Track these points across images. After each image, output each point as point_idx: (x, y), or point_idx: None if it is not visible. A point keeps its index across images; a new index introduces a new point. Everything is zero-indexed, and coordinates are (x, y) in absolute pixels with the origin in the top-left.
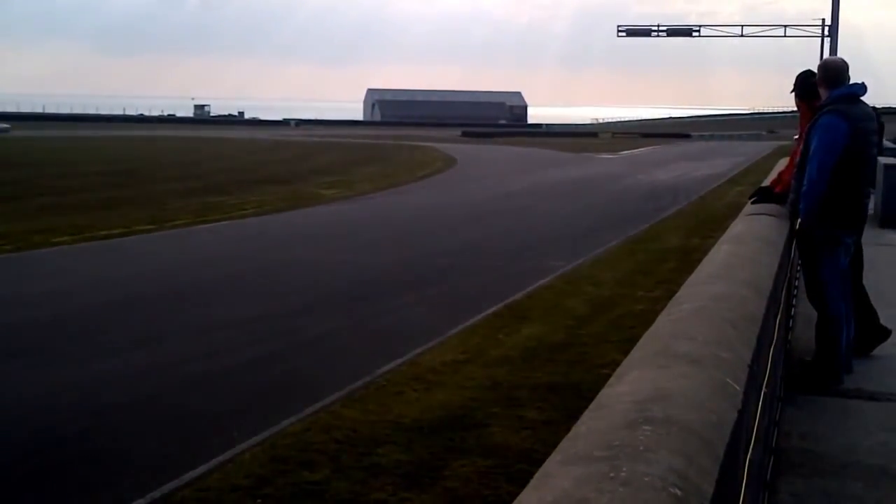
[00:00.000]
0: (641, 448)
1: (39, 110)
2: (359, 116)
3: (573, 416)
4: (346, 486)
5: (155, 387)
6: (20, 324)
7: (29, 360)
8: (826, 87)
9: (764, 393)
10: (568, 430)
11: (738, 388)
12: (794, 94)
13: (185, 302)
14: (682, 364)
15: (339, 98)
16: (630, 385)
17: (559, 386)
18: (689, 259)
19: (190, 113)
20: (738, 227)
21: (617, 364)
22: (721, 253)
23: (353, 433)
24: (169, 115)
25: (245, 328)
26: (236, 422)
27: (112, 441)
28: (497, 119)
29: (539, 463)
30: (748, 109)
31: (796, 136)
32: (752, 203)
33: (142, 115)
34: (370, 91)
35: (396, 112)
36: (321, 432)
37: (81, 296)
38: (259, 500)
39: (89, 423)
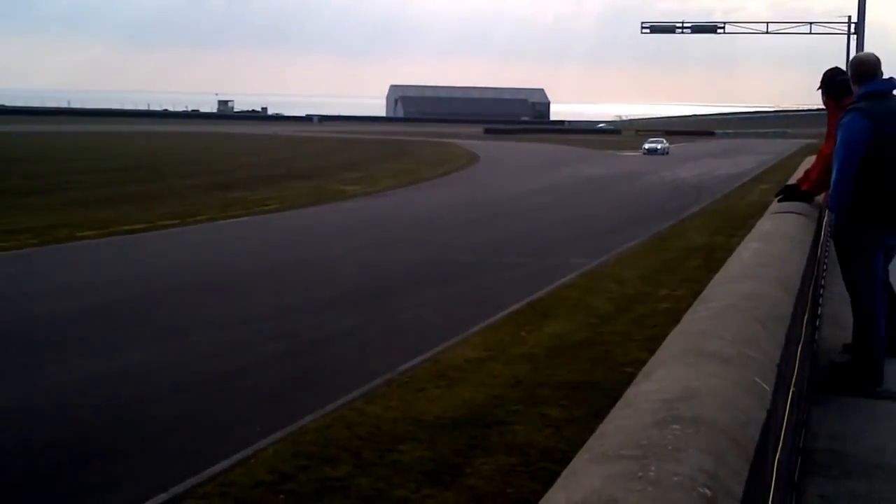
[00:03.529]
0: (670, 447)
1: (65, 105)
2: (382, 113)
3: (596, 414)
4: (369, 482)
5: (177, 381)
6: (44, 317)
7: (51, 354)
8: (858, 84)
9: (792, 392)
10: (591, 428)
11: (766, 387)
12: (821, 91)
13: (207, 297)
14: (710, 362)
15: (362, 94)
16: (658, 383)
17: (582, 384)
18: (713, 257)
19: (214, 109)
20: (765, 225)
21: (640, 362)
22: (749, 251)
23: (375, 430)
24: (193, 110)
25: (266, 323)
26: (258, 417)
27: (134, 436)
28: (520, 116)
29: (562, 461)
30: (773, 107)
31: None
32: (779, 201)
33: (166, 110)
34: (393, 87)
35: (419, 108)
36: (343, 428)
37: (105, 290)
38: (282, 496)
39: (111, 418)
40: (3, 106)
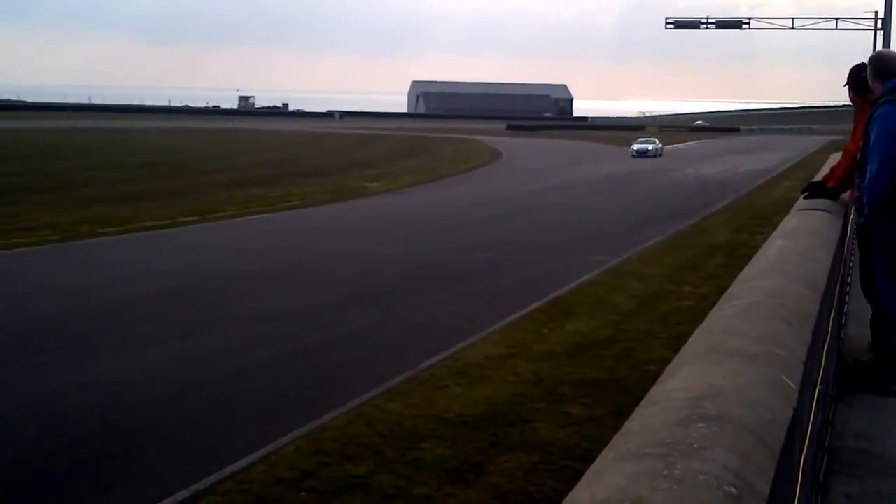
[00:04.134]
0: (695, 445)
1: (85, 101)
2: (403, 109)
3: (618, 412)
4: (390, 479)
5: (197, 378)
6: (65, 314)
7: (72, 350)
8: (881, 80)
9: (818, 391)
10: (613, 426)
11: (793, 385)
12: (847, 88)
13: (227, 293)
14: (735, 360)
15: (384, 90)
16: (683, 381)
17: (604, 382)
18: (737, 255)
19: (235, 105)
20: (790, 222)
21: (663, 360)
22: (774, 248)
23: (396, 427)
24: (214, 106)
25: (287, 320)
26: (278, 414)
27: (154, 432)
28: (542, 112)
29: (584, 459)
30: (798, 103)
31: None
32: (805, 198)
33: (186, 106)
34: (415, 83)
35: (441, 104)
36: (364, 426)
37: (126, 286)
38: (303, 493)
39: (131, 414)
40: (24, 102)
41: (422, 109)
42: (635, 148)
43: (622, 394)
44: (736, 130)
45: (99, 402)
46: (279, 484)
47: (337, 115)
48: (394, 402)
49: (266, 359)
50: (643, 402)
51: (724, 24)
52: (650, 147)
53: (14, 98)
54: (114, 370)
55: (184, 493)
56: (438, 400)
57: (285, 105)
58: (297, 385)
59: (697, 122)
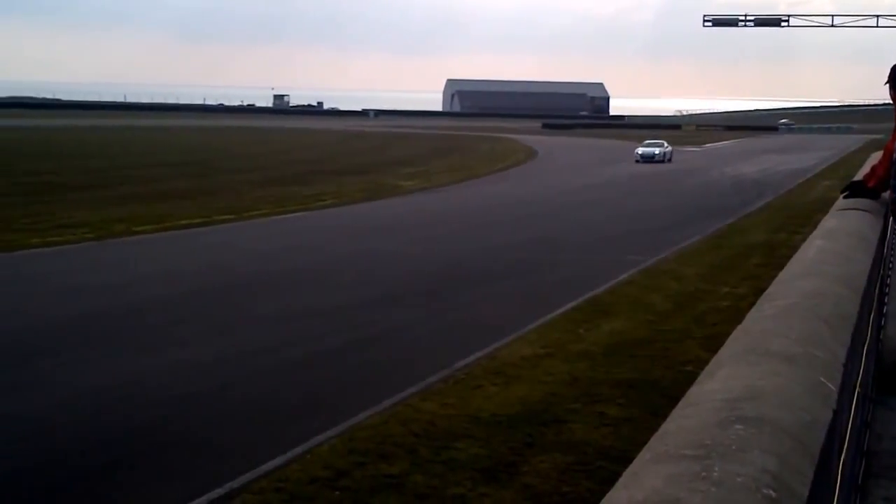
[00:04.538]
0: (734, 447)
1: (121, 99)
2: (438, 107)
3: (654, 412)
4: (424, 479)
5: (231, 377)
6: (101, 312)
7: (109, 348)
8: None
9: (857, 393)
10: (649, 427)
11: (832, 387)
12: (888, 86)
13: (262, 292)
14: (774, 361)
15: (419, 88)
16: (721, 382)
17: (640, 382)
18: (775, 255)
19: (270, 103)
20: (830, 222)
21: (700, 361)
22: (813, 248)
23: (430, 426)
24: (249, 105)
25: (321, 318)
26: (313, 413)
27: (189, 431)
28: (578, 110)
29: (619, 460)
30: (838, 102)
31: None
32: (844, 197)
33: (222, 104)
34: (450, 82)
35: (476, 103)
36: (399, 425)
37: (160, 285)
38: (337, 493)
39: (166, 413)
40: (59, 100)
41: (457, 108)
42: (640, 151)
43: (658, 394)
44: (774, 129)
45: (134, 400)
46: (314, 483)
47: (371, 113)
48: (428, 401)
49: (302, 357)
50: (680, 404)
51: (762, 22)
52: (657, 151)
53: (49, 96)
54: (150, 368)
55: (219, 491)
56: (473, 399)
57: (320, 104)
58: (332, 384)
59: (783, 121)
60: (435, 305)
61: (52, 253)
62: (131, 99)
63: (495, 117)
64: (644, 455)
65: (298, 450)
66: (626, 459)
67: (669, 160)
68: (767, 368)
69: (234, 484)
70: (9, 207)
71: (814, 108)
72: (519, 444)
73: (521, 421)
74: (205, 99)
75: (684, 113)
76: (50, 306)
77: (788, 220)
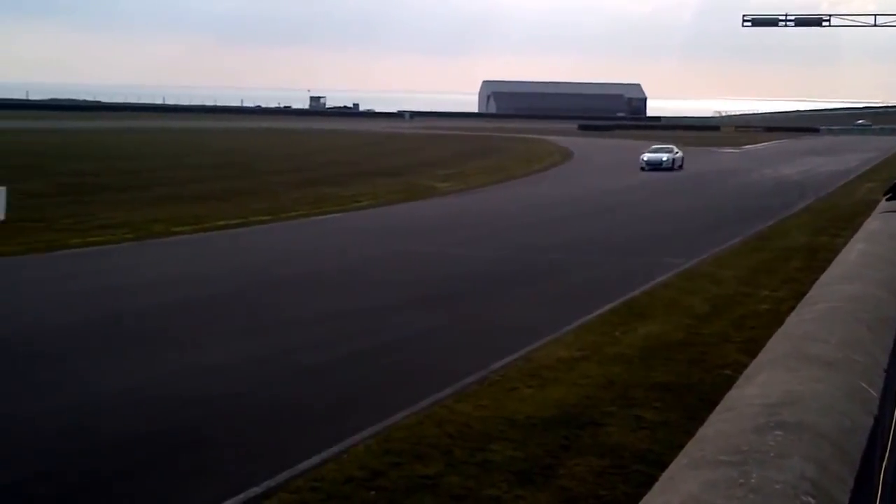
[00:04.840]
0: (772, 454)
1: (159, 101)
2: (474, 108)
3: (691, 416)
4: (459, 480)
5: (264, 377)
6: (139, 311)
7: (144, 347)
8: None
9: None
10: (686, 431)
11: (873, 392)
12: None
13: (298, 292)
14: (814, 367)
15: (454, 89)
16: (759, 387)
17: (677, 386)
18: (816, 258)
19: (306, 105)
20: (872, 224)
21: (738, 365)
22: (854, 252)
23: (466, 428)
24: (285, 106)
25: (357, 319)
26: (349, 413)
27: (225, 429)
28: (615, 112)
29: (656, 464)
30: (880, 103)
31: None
32: (888, 200)
33: (258, 106)
34: (485, 83)
35: (512, 104)
36: (434, 426)
37: (197, 285)
38: (373, 493)
39: (203, 412)
40: (100, 102)
41: (492, 109)
42: (646, 158)
43: (695, 398)
44: (815, 131)
45: (169, 400)
46: (349, 482)
47: (407, 115)
48: (463, 402)
49: (338, 357)
50: (718, 408)
51: (803, 22)
52: (665, 157)
53: (89, 98)
54: (184, 367)
55: (256, 490)
56: (508, 401)
57: (356, 105)
58: (368, 384)
59: (860, 122)
60: (471, 307)
61: (91, 253)
62: (170, 101)
63: (531, 118)
64: (681, 460)
65: (334, 449)
66: (662, 463)
67: (680, 167)
68: (807, 373)
69: (272, 482)
70: (51, 208)
71: (856, 110)
72: (555, 447)
73: (556, 423)
74: (242, 101)
75: (723, 114)
76: (89, 305)
77: (830, 222)
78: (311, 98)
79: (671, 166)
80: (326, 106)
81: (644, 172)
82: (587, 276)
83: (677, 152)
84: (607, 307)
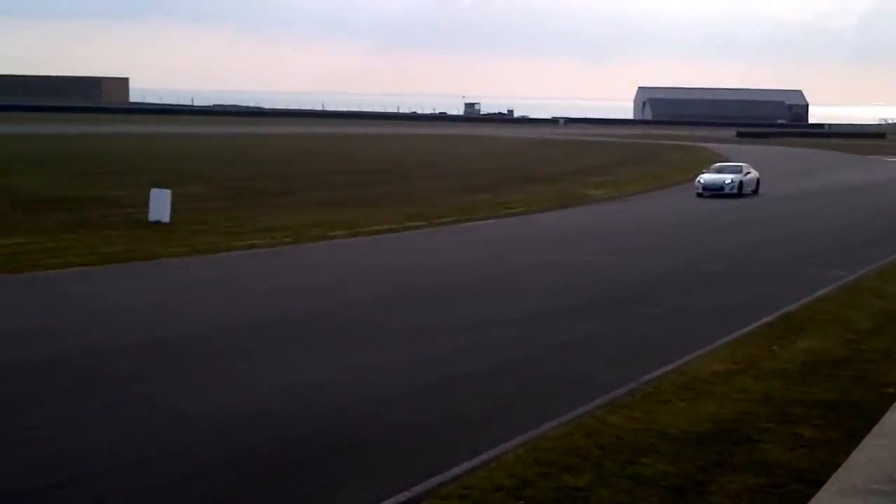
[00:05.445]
0: None
1: (319, 108)
2: (628, 115)
3: (853, 436)
4: (609, 494)
5: (420, 381)
6: (296, 314)
7: (302, 348)
8: None
9: None
10: (848, 451)
11: None
12: None
13: (450, 298)
14: None
15: (608, 96)
16: None
17: (838, 403)
18: None
19: (460, 111)
20: None
21: None
22: None
23: (617, 440)
24: (440, 113)
25: (507, 327)
26: (499, 420)
27: (381, 433)
28: (775, 119)
29: (815, 484)
30: None
31: None
32: None
33: (414, 112)
34: (641, 89)
35: (668, 111)
36: (584, 437)
37: (353, 288)
38: (521, 503)
39: (359, 414)
40: (262, 109)
41: (648, 116)
42: (704, 180)
43: (858, 417)
44: None
45: (329, 401)
46: (498, 491)
47: (561, 121)
48: (614, 414)
49: (489, 365)
50: (872, 433)
51: None
52: (729, 179)
53: (252, 105)
54: (344, 369)
55: (406, 494)
56: (661, 414)
57: (510, 111)
58: (519, 393)
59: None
60: (623, 317)
61: (252, 256)
62: (329, 107)
63: (687, 125)
64: (830, 486)
65: (484, 457)
66: (821, 484)
67: (753, 192)
68: None
69: (421, 487)
70: (213, 212)
71: None
72: (708, 463)
73: (710, 439)
74: (398, 107)
75: (889, 121)
76: (248, 307)
77: None
78: (466, 104)
79: (736, 191)
80: (481, 112)
81: (803, 181)
82: (744, 287)
83: (748, 172)
84: (764, 320)
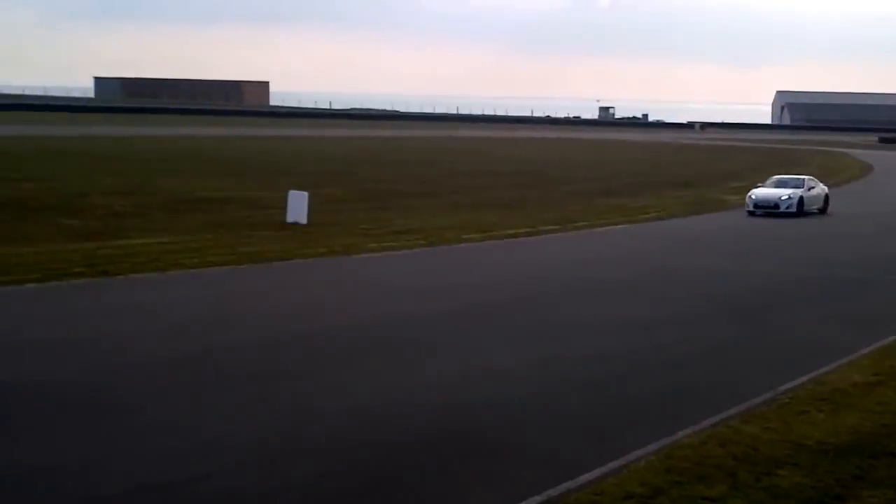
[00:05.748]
0: None
1: (453, 111)
2: (766, 120)
3: None
4: None
5: (549, 384)
6: (428, 314)
7: (434, 348)
8: None
9: None
10: None
11: None
12: None
13: (580, 301)
14: None
15: (746, 100)
16: None
17: None
18: None
19: (595, 115)
20: None
21: None
22: None
23: (752, 450)
24: (574, 117)
25: (639, 331)
26: (630, 427)
27: (511, 436)
28: None
29: None
30: None
31: None
32: None
33: (548, 116)
34: (780, 93)
35: (807, 115)
36: (718, 446)
37: (485, 290)
38: None
39: (489, 416)
40: (397, 112)
41: (786, 121)
42: (756, 196)
43: None
44: None
45: (455, 402)
46: (629, 499)
47: (697, 126)
48: (750, 424)
49: (620, 369)
50: None
51: None
52: (786, 194)
53: (388, 108)
54: (470, 371)
55: (536, 499)
56: (798, 425)
57: (645, 116)
58: (652, 399)
59: None
60: (760, 324)
61: (388, 258)
62: (463, 111)
63: (827, 131)
64: None
65: (615, 464)
66: None
67: (820, 210)
68: None
69: (552, 492)
70: (351, 213)
71: None
72: (847, 476)
73: (849, 452)
74: (532, 111)
75: None
76: (383, 306)
77: None
78: (600, 108)
79: (796, 209)
80: (615, 116)
81: None
82: (886, 295)
83: (812, 187)
84: None
